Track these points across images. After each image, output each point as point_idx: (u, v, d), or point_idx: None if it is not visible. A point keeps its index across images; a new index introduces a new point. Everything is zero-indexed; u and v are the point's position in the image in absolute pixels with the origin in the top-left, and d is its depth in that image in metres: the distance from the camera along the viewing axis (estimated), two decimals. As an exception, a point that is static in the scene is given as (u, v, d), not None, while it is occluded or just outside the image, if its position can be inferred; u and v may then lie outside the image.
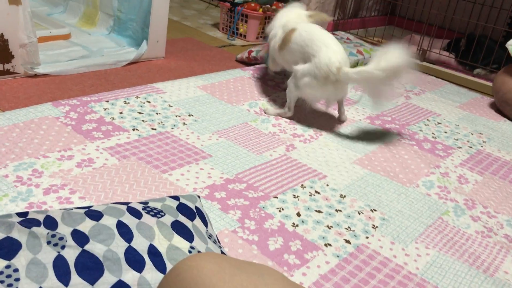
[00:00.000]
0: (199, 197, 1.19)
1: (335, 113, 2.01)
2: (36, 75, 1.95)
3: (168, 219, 1.01)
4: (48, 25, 2.46)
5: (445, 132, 2.02)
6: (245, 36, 2.95)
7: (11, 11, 1.80)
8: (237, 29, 2.96)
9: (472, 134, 2.05)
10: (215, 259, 0.77)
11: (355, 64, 2.44)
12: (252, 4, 2.87)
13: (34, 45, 1.91)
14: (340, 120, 1.97)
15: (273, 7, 2.92)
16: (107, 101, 1.76)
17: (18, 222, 0.91)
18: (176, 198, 1.13)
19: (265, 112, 1.91)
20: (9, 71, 1.88)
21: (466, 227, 1.39)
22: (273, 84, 2.23)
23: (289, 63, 1.89)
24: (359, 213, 1.37)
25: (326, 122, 1.93)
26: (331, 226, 1.29)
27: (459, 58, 2.88)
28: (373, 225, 1.33)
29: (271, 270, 0.73)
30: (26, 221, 0.92)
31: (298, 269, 1.12)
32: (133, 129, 1.60)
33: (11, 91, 1.80)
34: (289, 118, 1.90)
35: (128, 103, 1.78)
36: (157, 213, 1.02)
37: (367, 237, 1.27)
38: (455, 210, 1.47)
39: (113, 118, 1.65)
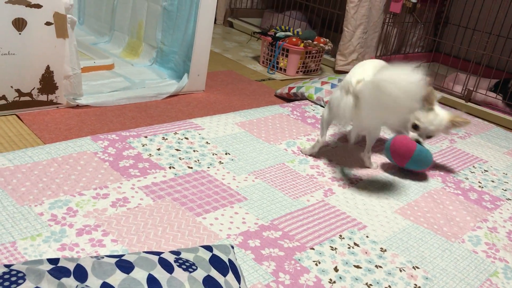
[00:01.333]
0: (232, 247, 1.15)
1: (376, 157, 1.94)
2: (77, 106, 1.98)
3: (200, 274, 0.97)
4: (93, 55, 2.52)
5: (493, 181, 1.91)
6: (285, 70, 2.93)
7: (58, 44, 1.84)
8: (277, 63, 2.95)
9: (522, 184, 1.94)
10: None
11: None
12: (294, 39, 2.86)
13: (78, 77, 1.94)
14: (366, 166, 1.86)
15: (315, 42, 2.90)
16: (146, 137, 1.76)
17: (48, 271, 0.89)
18: (209, 248, 1.09)
19: (301, 152, 1.87)
20: (53, 101, 1.92)
21: (517, 292, 1.29)
22: (313, 121, 2.19)
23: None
24: (400, 270, 1.29)
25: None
26: (371, 285, 1.22)
27: (507, 100, 2.77)
28: (415, 285, 1.25)
29: None
30: (57, 269, 0.90)
31: (334, 332, 1.06)
32: (170, 167, 1.59)
33: (53, 122, 1.82)
34: (327, 159, 1.84)
35: (166, 139, 1.77)
36: (189, 267, 0.98)
37: (408, 299, 1.19)
38: (505, 271, 1.37)
39: (150, 154, 1.64)
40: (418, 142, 1.75)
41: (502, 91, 2.84)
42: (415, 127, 1.75)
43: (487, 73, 2.94)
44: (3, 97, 1.79)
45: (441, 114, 1.74)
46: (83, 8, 3.06)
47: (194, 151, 1.73)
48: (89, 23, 3.02)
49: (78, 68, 1.93)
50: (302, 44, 2.87)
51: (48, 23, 1.78)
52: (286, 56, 2.90)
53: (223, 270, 1.02)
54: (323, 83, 2.44)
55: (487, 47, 2.80)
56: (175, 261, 0.99)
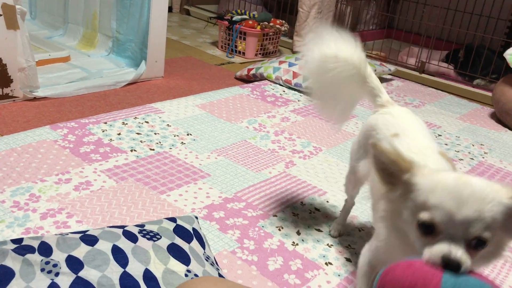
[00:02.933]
0: (196, 217, 1.18)
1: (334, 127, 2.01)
2: (35, 99, 1.96)
3: (164, 242, 1.00)
4: (47, 48, 2.48)
5: (446, 144, 2.01)
6: (244, 53, 2.96)
7: (9, 35, 1.81)
8: (236, 46, 2.97)
9: (473, 145, 2.03)
10: (213, 282, 0.76)
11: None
12: (250, 22, 2.89)
13: (32, 69, 1.92)
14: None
15: (271, 24, 2.94)
16: (105, 123, 1.76)
17: (12, 250, 0.90)
18: (173, 220, 1.12)
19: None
20: (8, 95, 1.89)
21: (469, 241, 1.37)
22: (272, 100, 2.23)
23: None
24: (359, 230, 1.35)
25: (326, 138, 1.92)
26: (332, 245, 1.27)
27: (458, 69, 2.88)
28: (374, 242, 1.31)
29: None
30: (21, 248, 0.92)
31: (298, 289, 1.11)
32: (131, 150, 1.60)
33: (10, 115, 1.80)
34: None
35: (126, 124, 1.78)
36: (153, 236, 1.01)
37: (368, 254, 1.25)
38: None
39: (111, 139, 1.65)
40: (449, 265, 0.67)
41: (453, 61, 2.96)
42: (426, 229, 0.71)
43: (439, 45, 3.05)
44: (-44, 93, 1.75)
45: (479, 184, 0.71)
46: (35, 2, 3.00)
47: (155, 134, 1.74)
48: (41, 17, 2.97)
49: (32, 60, 1.91)
50: (259, 27, 2.90)
51: (-3, 15, 1.76)
52: (244, 39, 2.92)
53: (187, 238, 1.06)
54: (281, 62, 2.48)
55: (437, 19, 2.90)
56: (139, 232, 1.01)
